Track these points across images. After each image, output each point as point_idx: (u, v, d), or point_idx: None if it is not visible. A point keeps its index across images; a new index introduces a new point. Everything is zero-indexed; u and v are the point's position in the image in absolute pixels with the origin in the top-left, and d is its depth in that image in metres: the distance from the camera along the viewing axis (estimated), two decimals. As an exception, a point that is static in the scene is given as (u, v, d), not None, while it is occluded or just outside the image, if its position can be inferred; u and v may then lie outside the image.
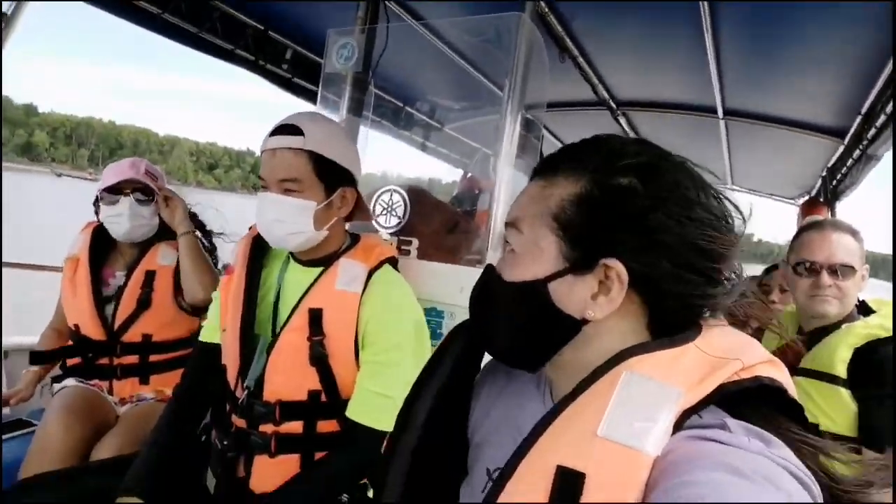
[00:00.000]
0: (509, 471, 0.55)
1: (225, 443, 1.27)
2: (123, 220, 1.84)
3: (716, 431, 0.51)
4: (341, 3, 2.10)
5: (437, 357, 0.74)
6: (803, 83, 2.74)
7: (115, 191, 1.84)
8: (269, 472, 1.24)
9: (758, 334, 1.87)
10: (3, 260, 2.00)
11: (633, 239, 0.59)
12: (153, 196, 1.90)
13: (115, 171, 1.86)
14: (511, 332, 0.65)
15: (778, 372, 0.56)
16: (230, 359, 1.30)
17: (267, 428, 1.25)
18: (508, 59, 1.59)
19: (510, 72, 1.58)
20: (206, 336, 1.43)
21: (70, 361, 1.88)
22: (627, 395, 0.53)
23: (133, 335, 1.87)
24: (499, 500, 0.54)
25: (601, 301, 0.60)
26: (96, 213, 1.92)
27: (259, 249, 1.37)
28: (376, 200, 1.70)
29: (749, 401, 0.56)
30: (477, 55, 2.44)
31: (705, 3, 2.05)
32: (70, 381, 1.83)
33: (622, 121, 3.80)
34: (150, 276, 1.90)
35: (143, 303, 1.88)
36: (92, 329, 1.84)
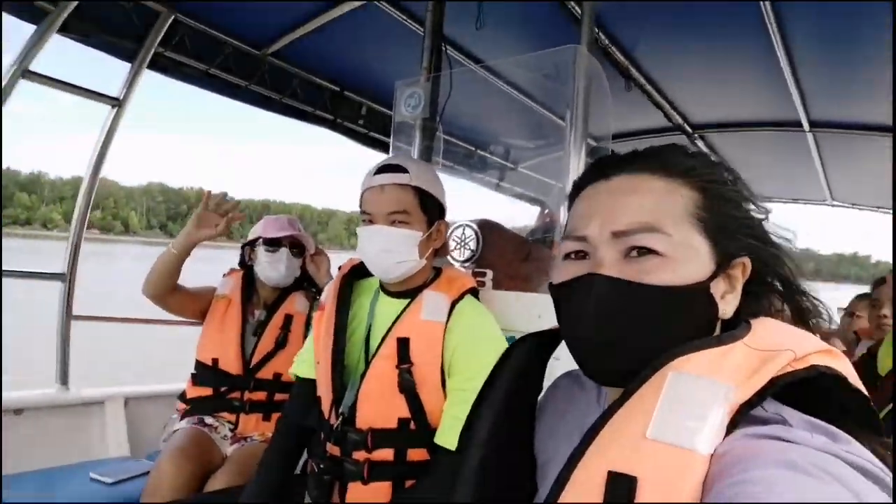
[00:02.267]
0: (563, 480, 0.54)
1: (321, 466, 1.32)
2: (281, 266, 2.09)
3: (775, 427, 0.50)
4: (407, 56, 2.23)
5: (495, 373, 0.74)
6: (886, 84, 2.58)
7: (275, 242, 2.10)
8: (363, 499, 1.28)
9: (875, 349, 1.74)
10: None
11: (752, 238, 0.63)
12: (303, 251, 2.16)
13: (277, 226, 2.13)
14: (657, 343, 0.58)
15: (836, 361, 0.53)
16: (324, 389, 1.37)
17: (360, 455, 1.29)
18: (568, 94, 1.63)
19: (570, 104, 1.61)
20: (301, 371, 1.51)
21: (198, 393, 2.04)
22: (675, 394, 0.52)
23: (266, 372, 2.04)
24: None
25: (729, 298, 0.63)
26: (249, 258, 2.18)
27: (348, 286, 1.46)
28: (450, 236, 1.76)
29: (813, 395, 0.55)
30: (539, 92, 2.49)
31: (770, 13, 2.02)
32: (183, 424, 1.97)
33: (700, 143, 3.72)
34: (288, 319, 2.12)
35: (281, 342, 2.08)
36: (232, 363, 2.02)
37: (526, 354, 0.75)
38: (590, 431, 0.55)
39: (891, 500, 0.44)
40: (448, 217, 1.44)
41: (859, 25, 2.12)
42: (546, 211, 3.15)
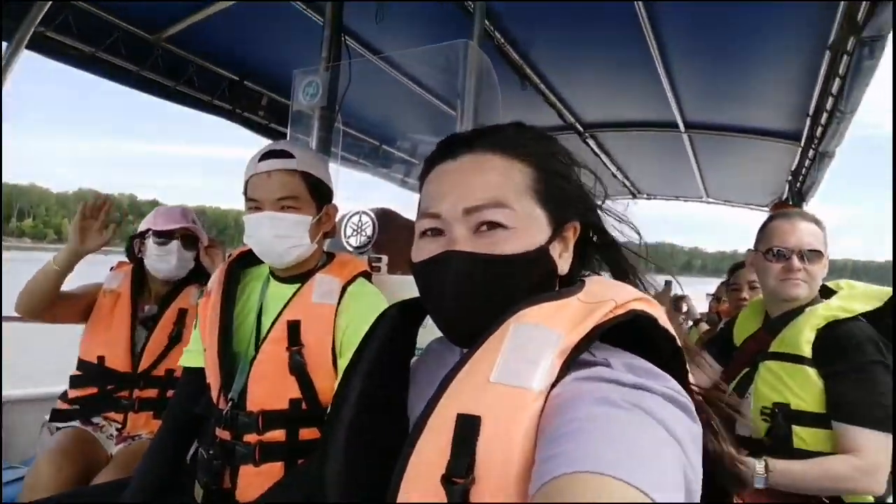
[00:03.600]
0: (420, 424, 0.60)
1: (210, 452, 1.31)
2: (172, 259, 1.99)
3: (598, 370, 0.58)
4: (308, 47, 2.22)
5: (364, 341, 0.79)
6: (754, 91, 2.88)
7: (166, 234, 2.00)
8: (255, 482, 1.29)
9: (731, 323, 1.95)
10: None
11: (580, 206, 0.73)
12: (196, 243, 2.06)
13: (168, 217, 2.03)
14: (510, 302, 0.64)
15: (651, 307, 0.62)
16: (212, 375, 1.36)
17: (251, 438, 1.30)
18: (459, 86, 1.70)
19: (460, 97, 1.69)
20: (188, 361, 1.49)
21: (83, 393, 1.92)
22: (515, 342, 0.59)
23: (159, 369, 1.95)
24: (411, 453, 0.59)
25: (565, 257, 0.72)
26: (138, 251, 2.06)
27: (236, 274, 1.45)
28: (346, 223, 1.79)
29: (639, 340, 0.64)
30: (435, 86, 2.57)
31: (647, 24, 2.20)
32: (63, 426, 1.87)
33: (591, 142, 3.94)
34: (182, 313, 2.02)
35: (175, 338, 1.99)
36: (120, 360, 1.92)
37: (392, 322, 0.80)
38: (444, 380, 0.61)
39: (693, 421, 0.55)
40: (352, 209, 1.47)
41: (730, 37, 2.34)
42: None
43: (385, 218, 1.79)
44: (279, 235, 1.33)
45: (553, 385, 0.56)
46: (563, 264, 0.72)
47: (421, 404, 0.69)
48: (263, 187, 1.33)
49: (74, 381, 1.94)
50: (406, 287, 1.65)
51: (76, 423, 1.87)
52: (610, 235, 0.76)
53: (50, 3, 2.26)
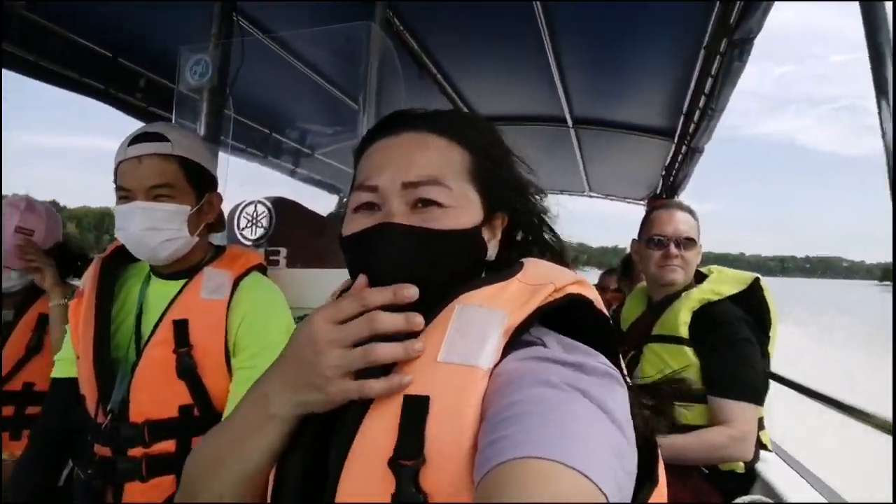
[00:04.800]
0: (361, 410, 0.59)
1: (89, 472, 1.19)
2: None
3: (536, 349, 0.60)
4: (193, 22, 2.04)
5: None
6: (635, 89, 3.06)
7: None
8: (143, 499, 1.18)
9: (618, 311, 2.08)
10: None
11: (512, 196, 0.75)
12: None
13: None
14: (444, 279, 0.66)
15: (585, 290, 0.65)
16: (87, 385, 1.23)
17: (136, 451, 1.19)
18: (361, 70, 1.65)
19: (363, 81, 1.64)
20: (60, 371, 1.34)
21: None
22: (460, 323, 0.60)
23: (15, 383, 1.71)
24: (354, 436, 0.58)
25: (493, 243, 0.74)
26: None
27: (111, 271, 1.32)
28: (240, 214, 1.69)
29: (575, 320, 0.66)
30: (333, 72, 2.48)
31: (542, 16, 2.25)
32: None
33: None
34: (43, 319, 1.77)
35: (34, 347, 1.74)
36: None
37: None
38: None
39: (622, 387, 0.58)
40: (244, 200, 1.38)
41: (618, 35, 2.44)
42: (345, 199, 3.18)
43: (283, 207, 1.70)
44: (151, 228, 1.20)
45: (495, 365, 0.58)
46: (492, 250, 0.73)
47: None
48: (133, 174, 1.20)
49: None
50: (307, 281, 1.61)
51: None
52: (536, 229, 0.78)
53: None
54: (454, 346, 0.58)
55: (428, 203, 0.67)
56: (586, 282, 0.67)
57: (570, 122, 3.54)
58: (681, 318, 1.72)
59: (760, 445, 1.69)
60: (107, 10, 2.40)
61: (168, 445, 1.20)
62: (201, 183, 1.28)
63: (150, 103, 3.12)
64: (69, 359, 1.32)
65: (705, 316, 1.70)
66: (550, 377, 0.55)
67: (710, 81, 2.32)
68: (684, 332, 1.70)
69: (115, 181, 1.23)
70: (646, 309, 1.93)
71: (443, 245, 0.66)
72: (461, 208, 0.68)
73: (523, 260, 0.69)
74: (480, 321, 0.60)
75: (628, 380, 0.64)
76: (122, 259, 1.34)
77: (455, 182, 0.68)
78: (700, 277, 1.84)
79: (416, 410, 0.56)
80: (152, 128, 1.25)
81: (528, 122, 3.72)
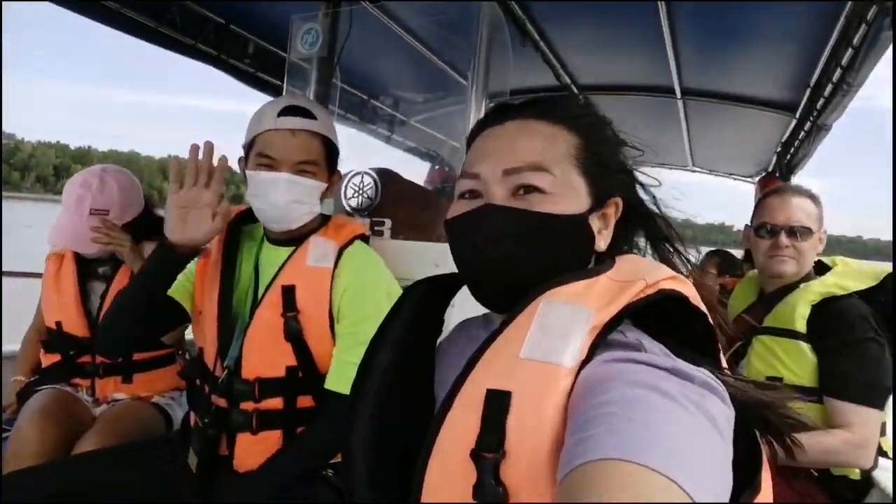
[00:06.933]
0: (448, 401, 0.60)
1: (206, 420, 1.27)
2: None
3: (629, 352, 0.58)
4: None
5: (391, 316, 0.77)
6: (755, 60, 2.82)
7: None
8: (252, 450, 1.26)
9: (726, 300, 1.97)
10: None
11: (625, 181, 0.73)
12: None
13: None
14: (544, 265, 0.66)
15: (681, 286, 0.62)
16: (208, 340, 1.31)
17: (248, 406, 1.26)
18: (471, 47, 1.61)
19: (473, 59, 1.60)
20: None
21: (49, 361, 1.84)
22: (545, 319, 0.59)
23: None
24: (441, 427, 0.59)
25: (604, 234, 0.72)
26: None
27: (233, 235, 1.38)
28: (347, 183, 1.72)
29: (670, 320, 0.63)
30: (440, 43, 2.45)
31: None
32: (45, 388, 1.79)
33: (584, 105, 3.85)
34: None
35: None
36: (76, 325, 1.81)
37: (422, 297, 0.78)
38: (473, 357, 0.61)
39: (728, 406, 0.54)
40: (343, 168, 1.41)
41: (737, 6, 2.25)
42: (436, 168, 3.17)
43: (387, 179, 1.72)
44: (296, 201, 1.27)
45: (583, 365, 0.57)
46: (602, 241, 0.72)
47: (448, 381, 0.67)
48: (284, 146, 1.25)
49: (44, 347, 1.86)
50: (410, 253, 1.62)
51: (56, 386, 1.80)
52: (649, 208, 0.76)
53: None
54: (537, 343, 0.58)
55: (530, 189, 0.67)
56: (682, 278, 0.64)
57: (678, 93, 3.34)
58: (798, 310, 1.60)
59: (880, 452, 1.58)
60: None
61: (276, 402, 1.27)
62: (334, 162, 1.35)
63: (258, 69, 3.23)
64: (181, 282, 1.35)
65: (827, 311, 1.58)
66: (646, 378, 0.53)
67: (849, 52, 2.09)
68: (801, 326, 1.59)
69: (251, 147, 1.29)
70: (756, 299, 1.82)
71: (543, 229, 0.66)
72: (564, 195, 0.67)
73: (617, 257, 0.67)
74: (565, 319, 0.59)
75: (730, 376, 0.60)
76: (238, 222, 1.40)
77: (559, 168, 0.68)
78: (822, 268, 1.71)
79: (497, 405, 0.56)
80: (297, 101, 1.30)
81: (633, 92, 3.55)
